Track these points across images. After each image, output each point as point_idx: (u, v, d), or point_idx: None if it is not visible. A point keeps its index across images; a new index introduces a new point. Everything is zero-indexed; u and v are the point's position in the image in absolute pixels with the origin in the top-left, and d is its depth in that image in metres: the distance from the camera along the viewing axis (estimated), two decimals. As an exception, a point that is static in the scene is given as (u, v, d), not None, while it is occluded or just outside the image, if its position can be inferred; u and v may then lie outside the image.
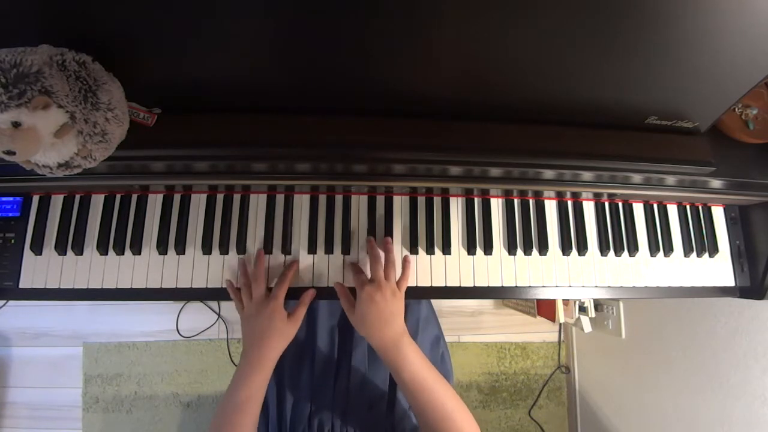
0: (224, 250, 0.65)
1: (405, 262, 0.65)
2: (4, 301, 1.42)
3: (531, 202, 0.70)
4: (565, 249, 0.69)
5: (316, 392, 0.70)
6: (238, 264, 0.64)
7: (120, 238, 0.64)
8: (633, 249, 0.70)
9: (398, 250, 0.67)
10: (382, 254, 0.63)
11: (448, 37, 0.44)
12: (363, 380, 0.71)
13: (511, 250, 0.68)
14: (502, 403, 1.51)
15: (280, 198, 0.67)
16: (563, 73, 0.49)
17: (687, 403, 0.99)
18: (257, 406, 0.58)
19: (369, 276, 0.62)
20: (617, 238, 0.70)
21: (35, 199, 0.66)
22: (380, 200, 0.68)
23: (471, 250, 0.68)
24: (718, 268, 0.72)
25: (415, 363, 0.56)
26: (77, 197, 0.66)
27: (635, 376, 1.19)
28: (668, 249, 0.71)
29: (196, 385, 1.44)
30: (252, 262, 0.65)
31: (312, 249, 0.66)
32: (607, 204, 0.71)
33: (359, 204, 0.68)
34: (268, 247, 0.65)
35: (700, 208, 0.73)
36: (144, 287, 0.64)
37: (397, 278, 0.62)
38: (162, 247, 0.64)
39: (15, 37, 0.40)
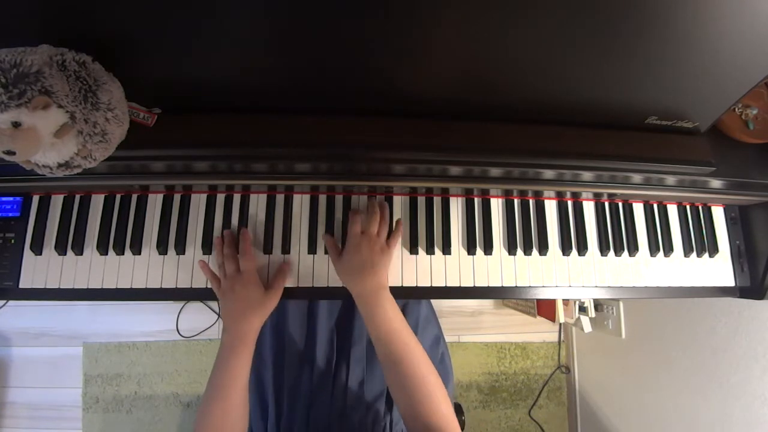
0: (224, 250, 0.65)
1: (397, 223, 0.66)
2: (4, 301, 1.42)
3: (531, 202, 0.70)
4: (565, 249, 0.69)
5: (315, 392, 0.70)
6: (213, 244, 0.64)
7: (120, 238, 0.64)
8: (633, 249, 0.70)
9: (398, 249, 0.67)
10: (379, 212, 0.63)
11: (448, 37, 0.44)
12: (361, 383, 0.71)
13: (511, 250, 0.68)
14: (502, 403, 1.51)
15: (280, 198, 0.67)
16: (563, 73, 0.49)
17: (687, 403, 0.99)
18: (243, 390, 0.56)
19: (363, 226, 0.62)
20: (617, 238, 0.70)
21: (35, 199, 0.66)
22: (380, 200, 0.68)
23: (471, 250, 0.68)
24: (718, 268, 0.72)
25: (390, 313, 0.56)
26: (77, 197, 0.66)
27: (635, 376, 1.19)
28: (668, 249, 0.71)
29: (196, 385, 1.44)
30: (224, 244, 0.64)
31: (312, 249, 0.66)
32: (607, 204, 0.71)
33: (359, 204, 0.68)
34: (268, 247, 0.65)
35: (700, 208, 0.73)
36: (144, 287, 0.64)
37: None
38: (162, 247, 0.64)
39: (15, 37, 0.40)
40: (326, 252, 0.66)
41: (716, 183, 0.64)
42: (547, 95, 0.52)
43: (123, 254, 0.64)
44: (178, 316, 1.46)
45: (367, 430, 0.68)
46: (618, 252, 0.70)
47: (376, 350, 0.58)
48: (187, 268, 0.65)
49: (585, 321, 1.27)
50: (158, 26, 0.43)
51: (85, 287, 0.63)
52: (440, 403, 0.53)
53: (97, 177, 0.59)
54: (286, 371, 0.73)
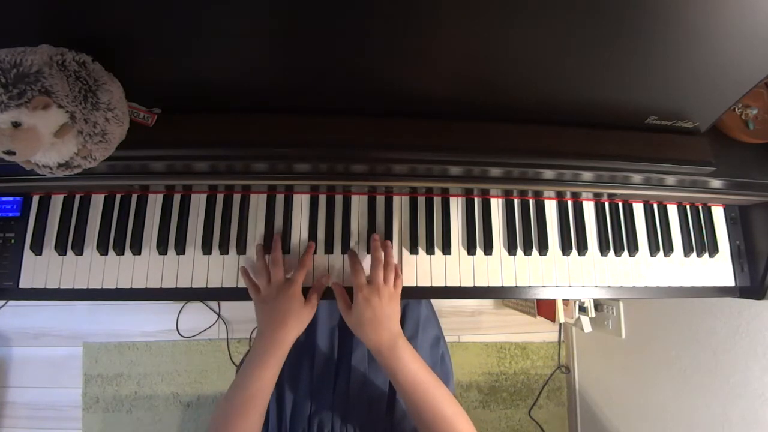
0: (224, 250, 0.65)
1: (386, 247, 0.65)
2: (4, 301, 1.42)
3: (531, 202, 0.70)
4: (565, 249, 0.69)
5: (316, 393, 0.70)
6: (255, 250, 0.64)
7: (120, 238, 0.64)
8: (633, 249, 0.70)
9: (398, 250, 0.67)
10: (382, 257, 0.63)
11: (449, 37, 0.44)
12: (363, 381, 0.71)
13: (511, 250, 0.68)
14: (502, 403, 1.51)
15: (280, 198, 0.67)
16: (563, 74, 0.49)
17: (687, 403, 0.99)
18: (264, 403, 0.56)
19: (368, 276, 0.62)
20: (617, 238, 0.70)
21: (35, 199, 0.66)
22: (380, 200, 0.68)
23: (471, 250, 0.68)
24: (718, 268, 0.72)
25: (410, 365, 0.56)
26: (77, 197, 0.66)
27: (635, 376, 1.19)
28: (668, 249, 0.71)
29: (196, 385, 1.44)
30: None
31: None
32: (607, 204, 0.71)
33: (359, 204, 0.68)
34: (268, 248, 0.65)
35: (700, 208, 0.73)
36: (144, 287, 0.64)
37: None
38: (162, 247, 0.64)
39: (15, 37, 0.40)
40: (326, 252, 0.66)
41: (716, 183, 0.64)
42: (547, 95, 0.52)
43: (123, 254, 0.64)
44: (178, 316, 1.45)
45: (368, 431, 0.68)
46: (618, 252, 0.70)
47: (399, 395, 0.58)
48: (187, 268, 0.65)
49: (585, 321, 1.27)
50: (158, 26, 0.43)
51: (85, 287, 0.63)
52: None
53: (97, 177, 0.59)
54: (286, 372, 0.73)
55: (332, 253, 0.66)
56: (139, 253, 0.65)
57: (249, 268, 0.64)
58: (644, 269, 0.70)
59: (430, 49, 0.46)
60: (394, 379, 0.57)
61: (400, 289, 0.63)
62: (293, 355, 0.73)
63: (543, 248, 0.68)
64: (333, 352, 0.74)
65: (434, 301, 0.90)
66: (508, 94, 0.52)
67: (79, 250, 0.64)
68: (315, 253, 0.66)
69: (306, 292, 0.63)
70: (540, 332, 1.55)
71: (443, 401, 0.56)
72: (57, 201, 0.66)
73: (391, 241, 0.67)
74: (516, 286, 0.67)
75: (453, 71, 0.49)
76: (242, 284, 0.64)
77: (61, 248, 0.64)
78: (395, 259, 0.66)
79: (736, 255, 0.73)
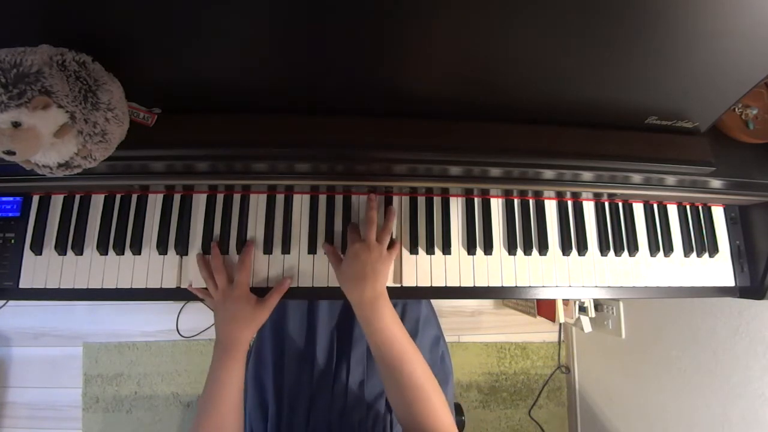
0: (224, 250, 0.65)
1: (389, 212, 0.65)
2: (4, 301, 1.42)
3: (531, 202, 0.70)
4: (565, 249, 0.69)
5: (315, 393, 0.70)
6: (196, 260, 0.64)
7: (120, 238, 0.64)
8: (633, 249, 0.70)
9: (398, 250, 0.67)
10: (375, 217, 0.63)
11: (448, 37, 0.44)
12: (361, 383, 0.71)
13: (511, 250, 0.68)
14: (502, 403, 1.51)
15: (280, 198, 0.67)
16: (563, 74, 0.49)
17: (687, 403, 0.99)
18: (234, 399, 0.57)
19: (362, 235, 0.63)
20: (617, 238, 0.70)
21: (35, 199, 0.66)
22: (380, 200, 0.68)
23: (471, 250, 0.68)
24: (718, 268, 0.72)
25: (387, 320, 0.56)
26: (77, 197, 0.66)
27: (635, 376, 1.19)
28: (668, 249, 0.71)
29: (196, 385, 1.44)
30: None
31: (312, 249, 0.66)
32: (607, 204, 0.71)
33: (359, 204, 0.68)
34: (268, 248, 0.65)
35: (700, 208, 0.73)
36: (144, 287, 0.64)
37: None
38: (162, 247, 0.64)
39: (15, 37, 0.40)
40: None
41: (716, 183, 0.64)
42: (547, 95, 0.52)
43: (123, 254, 0.64)
44: (178, 316, 1.46)
45: (368, 431, 0.68)
46: (618, 252, 0.70)
47: (374, 356, 0.58)
48: (187, 268, 0.65)
49: (585, 321, 1.27)
50: (158, 26, 0.43)
51: (85, 287, 0.63)
52: (438, 410, 0.53)
53: (97, 177, 0.59)
54: (286, 372, 0.73)
55: (332, 253, 0.66)
56: (139, 253, 0.65)
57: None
58: (644, 269, 0.70)
59: (430, 49, 0.46)
60: (369, 332, 0.57)
61: (393, 254, 0.63)
62: (292, 355, 0.74)
63: (543, 248, 0.68)
64: (332, 353, 0.74)
65: (434, 301, 0.90)
66: (508, 94, 0.52)
67: (79, 250, 0.64)
68: (315, 253, 0.66)
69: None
70: (540, 332, 1.56)
71: (416, 364, 0.55)
72: (57, 201, 0.66)
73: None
74: (516, 286, 0.67)
75: (453, 71, 0.49)
76: (242, 284, 0.64)
77: (61, 248, 0.64)
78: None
79: (736, 255, 0.73)
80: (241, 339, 0.59)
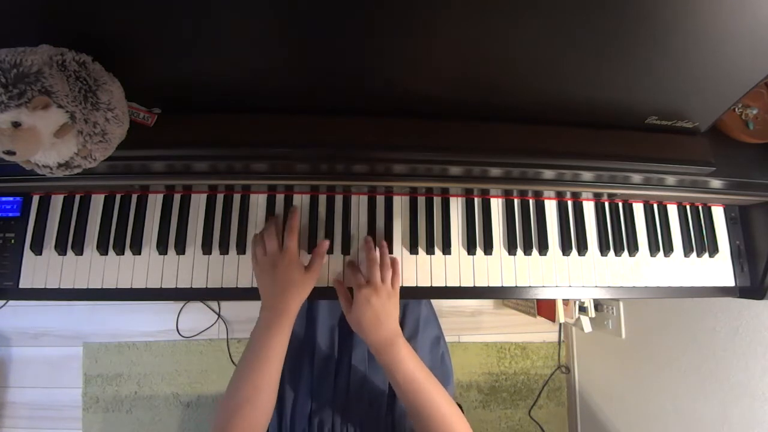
0: (224, 250, 0.65)
1: (393, 263, 0.65)
2: (4, 301, 1.42)
3: (531, 202, 0.70)
4: (565, 249, 0.69)
5: (317, 390, 0.71)
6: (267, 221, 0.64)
7: (120, 238, 0.64)
8: (633, 249, 0.70)
9: (398, 250, 0.67)
10: (378, 257, 0.63)
11: (449, 37, 0.44)
12: (363, 378, 0.72)
13: (511, 250, 0.68)
14: (502, 403, 1.51)
15: (280, 198, 0.67)
16: (563, 74, 0.49)
17: (687, 403, 0.99)
18: (276, 370, 0.56)
19: (365, 277, 0.62)
20: (617, 238, 0.70)
21: (35, 199, 0.66)
22: (380, 200, 0.68)
23: (471, 250, 0.68)
24: (718, 268, 0.72)
25: (408, 363, 0.57)
26: (77, 197, 0.66)
27: (635, 376, 1.19)
28: (668, 249, 0.71)
29: (196, 385, 1.44)
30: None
31: (312, 249, 0.66)
32: (607, 204, 0.71)
33: (359, 204, 0.68)
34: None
35: (700, 208, 0.73)
36: (144, 287, 0.64)
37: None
38: (162, 247, 0.64)
39: (15, 37, 0.40)
40: (326, 251, 0.66)
41: (716, 183, 0.64)
42: (547, 95, 0.52)
43: (123, 254, 0.64)
44: (178, 316, 1.45)
45: (369, 430, 0.68)
46: (618, 252, 0.70)
47: (397, 394, 0.58)
48: (187, 268, 0.65)
49: (585, 321, 1.27)
50: (158, 26, 0.43)
51: (85, 287, 0.63)
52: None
53: (97, 177, 0.59)
54: (287, 371, 0.73)
55: (332, 253, 0.66)
56: (139, 253, 0.65)
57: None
58: (644, 269, 0.70)
59: (430, 49, 0.46)
60: (392, 377, 0.58)
61: (398, 287, 0.63)
62: (294, 352, 0.74)
63: (543, 248, 0.68)
64: (333, 351, 0.74)
65: (434, 301, 0.90)
66: (508, 94, 0.52)
67: (79, 250, 0.64)
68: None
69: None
70: (540, 332, 1.55)
71: (439, 400, 0.56)
72: (57, 201, 0.66)
73: (391, 241, 0.66)
74: (516, 286, 0.67)
75: (453, 71, 0.49)
76: (242, 284, 0.64)
77: (61, 248, 0.64)
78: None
79: (736, 255, 0.73)
80: (290, 306, 0.58)
